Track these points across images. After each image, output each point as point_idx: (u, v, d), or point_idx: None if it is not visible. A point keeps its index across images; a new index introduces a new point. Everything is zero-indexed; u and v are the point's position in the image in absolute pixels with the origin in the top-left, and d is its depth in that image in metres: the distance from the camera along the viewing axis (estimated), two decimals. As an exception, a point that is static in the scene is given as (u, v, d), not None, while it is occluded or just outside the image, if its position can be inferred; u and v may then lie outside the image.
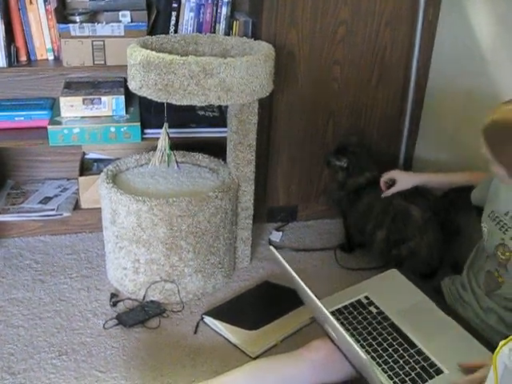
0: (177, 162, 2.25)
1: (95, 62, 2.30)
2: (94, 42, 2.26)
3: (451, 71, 2.37)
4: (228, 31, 2.42)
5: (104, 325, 2.01)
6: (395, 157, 2.65)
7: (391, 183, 2.18)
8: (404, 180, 2.15)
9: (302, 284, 1.52)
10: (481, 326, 1.61)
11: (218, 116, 2.53)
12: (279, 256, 1.61)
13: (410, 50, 2.46)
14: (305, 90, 2.45)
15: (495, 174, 1.52)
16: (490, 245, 1.60)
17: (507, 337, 0.97)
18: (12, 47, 2.26)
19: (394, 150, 2.65)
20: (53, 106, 2.44)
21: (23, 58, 2.33)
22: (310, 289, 1.50)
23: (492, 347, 1.50)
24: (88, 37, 2.26)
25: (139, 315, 2.03)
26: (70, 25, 2.25)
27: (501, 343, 0.96)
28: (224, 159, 2.28)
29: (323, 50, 2.39)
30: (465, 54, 2.27)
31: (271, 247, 1.73)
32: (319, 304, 1.45)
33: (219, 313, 2.06)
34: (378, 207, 2.21)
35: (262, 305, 2.13)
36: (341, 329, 1.37)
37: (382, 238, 2.20)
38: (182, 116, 2.43)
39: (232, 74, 1.85)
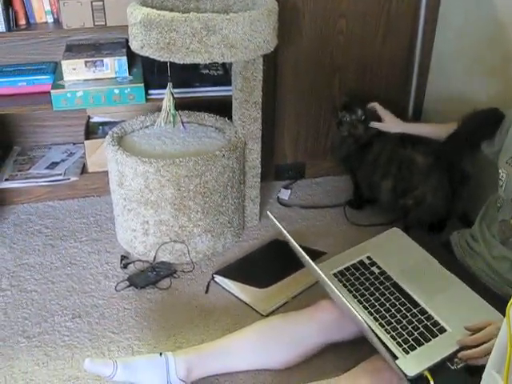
0: (182, 122, 2.23)
1: (96, 23, 2.25)
2: (94, 3, 2.21)
3: (460, 20, 2.31)
4: (230, -14, 2.36)
5: (116, 287, 2.02)
6: (404, 110, 2.61)
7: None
8: (391, 121, 2.19)
9: (300, 250, 1.53)
10: (491, 276, 1.60)
11: (222, 74, 2.50)
12: (277, 223, 1.62)
13: (417, -1, 2.40)
14: (310, 44, 2.41)
15: None
16: (509, 189, 1.58)
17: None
18: (10, 11, 2.22)
19: (403, 103, 2.61)
20: (55, 70, 2.41)
21: (22, 22, 2.28)
22: (309, 253, 1.51)
23: (499, 299, 1.50)
24: (87, -3, 2.22)
25: (150, 276, 2.04)
26: (68, -15, 2.20)
27: (514, 294, 0.95)
28: (230, 118, 2.25)
29: (328, 2, 2.34)
30: (474, 1, 2.21)
31: (268, 213, 1.73)
32: (317, 269, 1.46)
33: (230, 272, 2.06)
34: (385, 156, 2.19)
35: (272, 263, 2.13)
36: (339, 294, 1.38)
37: (388, 187, 2.18)
38: (186, 75, 2.40)
39: (235, 30, 1.81)
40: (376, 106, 2.22)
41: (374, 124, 2.20)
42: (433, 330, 1.46)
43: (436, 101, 2.54)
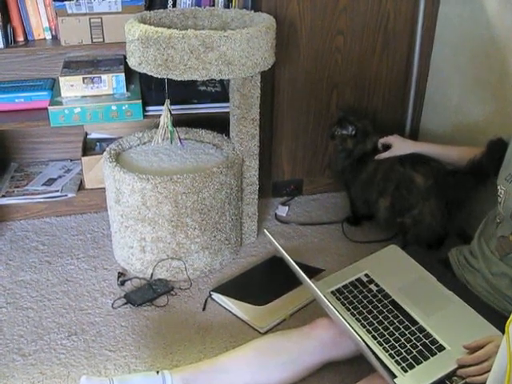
0: (180, 139, 2.23)
1: (93, 40, 2.26)
2: (92, 20, 2.22)
3: (456, 38, 2.32)
4: (227, 4, 2.37)
5: (112, 304, 2.00)
6: (401, 128, 2.61)
7: (387, 147, 2.21)
8: (399, 146, 2.18)
9: (297, 267, 1.53)
10: (490, 292, 1.60)
11: (219, 91, 2.50)
12: (274, 241, 1.62)
13: (414, 17, 2.41)
14: (307, 61, 2.42)
15: None
16: (507, 206, 1.58)
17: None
18: (8, 27, 2.23)
19: (400, 121, 2.62)
20: (53, 87, 2.42)
21: (20, 39, 2.29)
22: (306, 271, 1.52)
23: (498, 316, 1.50)
24: (85, 14, 2.22)
25: (147, 294, 2.03)
26: (66, 2, 2.21)
27: (513, 312, 0.94)
28: (227, 134, 2.25)
29: (325, 20, 2.35)
30: (471, 18, 2.22)
31: (265, 231, 1.72)
32: (314, 287, 1.46)
33: (227, 289, 2.05)
34: (382, 173, 2.19)
35: (270, 280, 2.12)
36: (336, 312, 1.39)
37: (385, 205, 2.18)
38: (184, 92, 2.41)
39: (233, 47, 1.81)
40: (379, 141, 2.24)
41: (381, 155, 2.20)
42: (431, 348, 1.45)
43: (433, 118, 2.55)
